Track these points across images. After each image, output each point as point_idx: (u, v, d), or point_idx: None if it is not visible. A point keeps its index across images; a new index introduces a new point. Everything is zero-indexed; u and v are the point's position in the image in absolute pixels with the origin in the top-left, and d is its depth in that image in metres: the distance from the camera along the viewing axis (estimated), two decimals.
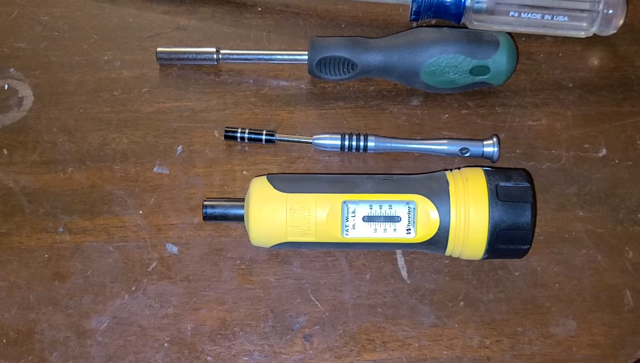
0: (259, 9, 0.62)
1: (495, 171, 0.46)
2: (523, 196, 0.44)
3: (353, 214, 0.45)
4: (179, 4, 0.62)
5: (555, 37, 0.59)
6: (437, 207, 0.45)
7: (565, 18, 0.56)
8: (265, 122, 0.55)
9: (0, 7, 0.62)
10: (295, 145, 0.54)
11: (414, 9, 0.57)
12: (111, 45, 0.59)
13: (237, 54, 0.57)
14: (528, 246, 0.45)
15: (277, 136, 0.53)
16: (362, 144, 0.52)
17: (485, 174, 0.46)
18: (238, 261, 0.49)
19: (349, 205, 0.45)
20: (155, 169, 0.53)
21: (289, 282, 0.48)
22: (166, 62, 0.57)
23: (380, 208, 0.45)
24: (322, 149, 0.53)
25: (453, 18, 0.58)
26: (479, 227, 0.44)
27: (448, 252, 0.46)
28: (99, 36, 0.60)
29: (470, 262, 0.49)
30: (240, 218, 0.47)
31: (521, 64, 0.57)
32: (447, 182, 0.46)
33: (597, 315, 0.47)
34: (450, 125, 0.55)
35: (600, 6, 0.56)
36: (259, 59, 0.57)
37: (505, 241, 0.45)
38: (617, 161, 0.53)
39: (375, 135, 0.53)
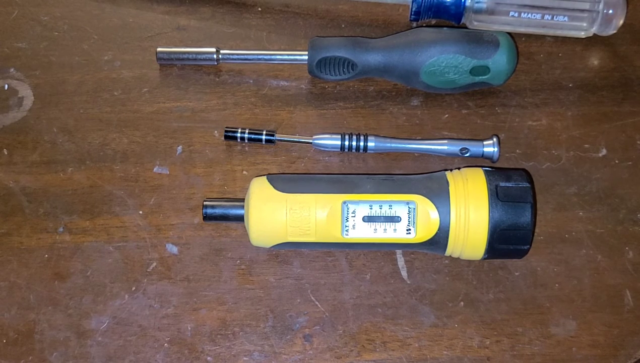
0: (259, 9, 0.62)
1: (495, 171, 0.46)
2: (523, 196, 0.44)
3: (353, 214, 0.45)
4: (179, 4, 0.62)
5: (555, 37, 0.59)
6: (437, 207, 0.45)
7: (565, 18, 0.56)
8: (265, 122, 0.55)
9: (0, 7, 0.62)
10: (295, 145, 0.54)
11: (414, 9, 0.57)
12: (111, 45, 0.59)
13: (237, 54, 0.57)
14: (528, 246, 0.45)
15: (277, 136, 0.53)
16: (362, 144, 0.52)
17: (485, 174, 0.46)
18: (238, 261, 0.49)
19: (349, 205, 0.45)
20: (155, 169, 0.53)
21: (289, 282, 0.48)
22: (166, 62, 0.57)
23: (380, 208, 0.45)
24: (322, 149, 0.53)
25: (453, 18, 0.58)
26: (479, 227, 0.44)
27: (448, 252, 0.46)
28: (99, 36, 0.60)
29: (470, 262, 0.49)
30: (240, 219, 0.47)
31: (521, 64, 0.57)
32: (447, 182, 0.46)
33: (597, 315, 0.47)
34: (450, 125, 0.55)
35: (600, 6, 0.56)
36: (259, 59, 0.57)
37: (505, 241, 0.45)
38: (617, 161, 0.53)
39: (375, 135, 0.53)
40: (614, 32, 0.57)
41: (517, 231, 0.44)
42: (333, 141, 0.52)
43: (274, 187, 0.46)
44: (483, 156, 0.52)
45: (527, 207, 0.44)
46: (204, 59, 0.57)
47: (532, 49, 0.59)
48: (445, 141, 0.52)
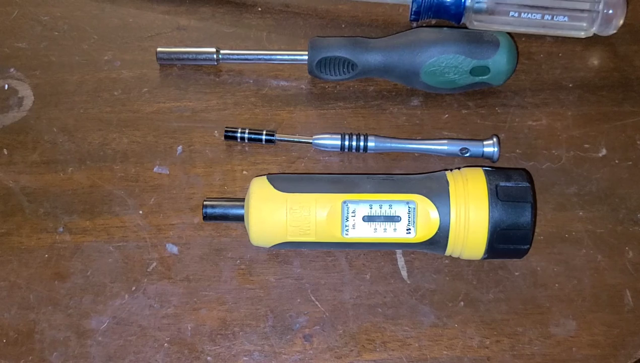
0: (259, 9, 0.62)
1: (495, 171, 0.46)
2: (523, 196, 0.44)
3: (353, 214, 0.45)
4: (179, 4, 0.62)
5: (555, 37, 0.59)
6: (437, 207, 0.45)
7: (565, 18, 0.56)
8: (265, 122, 0.55)
9: (0, 7, 0.62)
10: (295, 145, 0.54)
11: (414, 9, 0.57)
12: (111, 45, 0.59)
13: (237, 54, 0.57)
14: (528, 246, 0.45)
15: (277, 136, 0.53)
16: (362, 144, 0.52)
17: (485, 173, 0.46)
18: (238, 261, 0.49)
19: (349, 205, 0.45)
20: (155, 169, 0.53)
21: (289, 282, 0.48)
22: (166, 62, 0.57)
23: (380, 208, 0.45)
24: (322, 148, 0.53)
25: (453, 18, 0.58)
26: (479, 227, 0.44)
27: (448, 252, 0.46)
28: (99, 36, 0.60)
29: (470, 262, 0.49)
30: (240, 219, 0.47)
31: (521, 64, 0.57)
32: (447, 182, 0.46)
33: (597, 315, 0.47)
34: (450, 125, 0.55)
35: (600, 6, 0.56)
36: (259, 59, 0.57)
37: (505, 241, 0.45)
38: (617, 161, 0.53)
39: (375, 135, 0.53)
40: (614, 32, 0.57)
41: (517, 231, 0.44)
42: (333, 141, 0.52)
43: (274, 186, 0.46)
44: (483, 156, 0.52)
45: (527, 207, 0.44)
46: (204, 59, 0.57)
47: (532, 49, 0.59)
48: (445, 141, 0.52)
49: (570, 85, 0.57)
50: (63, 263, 0.49)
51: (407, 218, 0.45)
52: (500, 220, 0.44)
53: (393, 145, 0.52)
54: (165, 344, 0.46)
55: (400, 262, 0.49)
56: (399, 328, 0.47)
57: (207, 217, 0.48)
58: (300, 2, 0.62)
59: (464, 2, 0.56)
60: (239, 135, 0.53)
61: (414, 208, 0.45)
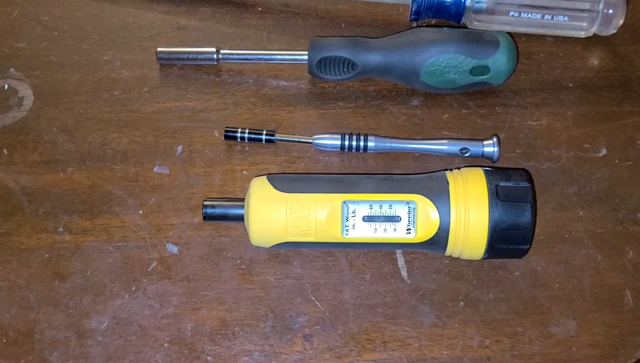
0: (259, 9, 0.62)
1: (495, 171, 0.46)
2: (523, 196, 0.44)
3: (353, 214, 0.45)
4: (179, 4, 0.62)
5: (555, 37, 0.59)
6: (437, 207, 0.45)
7: (565, 18, 0.56)
8: (265, 122, 0.55)
9: (0, 7, 0.62)
10: (295, 145, 0.54)
11: (414, 9, 0.57)
12: (111, 45, 0.59)
13: (237, 54, 0.57)
14: (528, 246, 0.45)
15: (277, 136, 0.53)
16: (362, 144, 0.52)
17: (485, 173, 0.46)
18: (238, 261, 0.49)
19: (349, 205, 0.45)
20: (155, 169, 0.53)
21: (289, 282, 0.48)
22: (166, 62, 0.57)
23: (380, 208, 0.45)
24: (322, 148, 0.53)
25: (453, 18, 0.58)
26: (479, 227, 0.44)
27: (448, 252, 0.46)
28: (99, 36, 0.60)
29: (470, 262, 0.49)
30: (240, 218, 0.47)
31: (521, 64, 0.57)
32: (447, 182, 0.46)
33: (597, 315, 0.47)
34: (450, 125, 0.55)
35: (600, 6, 0.56)
36: (259, 59, 0.57)
37: (505, 241, 0.45)
38: (617, 161, 0.53)
39: (375, 135, 0.53)
40: (614, 32, 0.57)
41: (517, 231, 0.44)
42: (333, 141, 0.52)
43: (274, 186, 0.46)
44: (483, 156, 0.52)
45: (527, 207, 0.44)
46: (204, 59, 0.57)
47: (532, 49, 0.59)
48: (445, 141, 0.52)
49: (570, 85, 0.57)
50: (63, 263, 0.49)
51: (407, 218, 0.45)
52: (500, 220, 0.44)
53: (393, 145, 0.52)
54: (165, 344, 0.46)
55: (400, 262, 0.49)
56: (399, 328, 0.47)
57: (207, 217, 0.48)
58: (300, 2, 0.62)
59: (464, 2, 0.56)
60: (239, 135, 0.53)
61: (414, 208, 0.45)
